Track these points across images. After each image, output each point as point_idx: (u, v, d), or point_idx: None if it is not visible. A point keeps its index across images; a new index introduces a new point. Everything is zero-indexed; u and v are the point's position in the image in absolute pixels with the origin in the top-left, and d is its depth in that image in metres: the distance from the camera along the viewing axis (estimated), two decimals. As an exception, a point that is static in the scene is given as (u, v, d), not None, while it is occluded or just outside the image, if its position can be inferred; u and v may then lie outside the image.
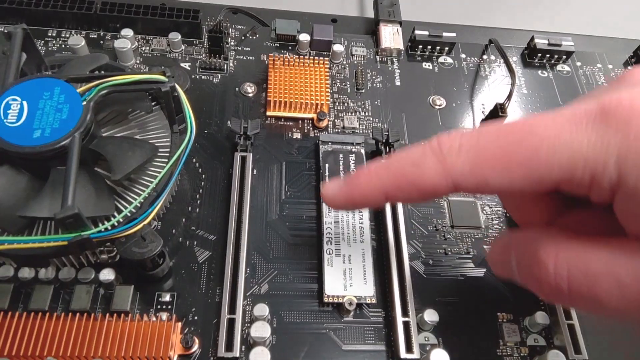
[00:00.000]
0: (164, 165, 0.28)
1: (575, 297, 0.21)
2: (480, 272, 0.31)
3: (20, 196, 0.25)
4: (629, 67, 0.44)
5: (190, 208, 0.31)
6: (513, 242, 0.23)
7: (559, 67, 0.43)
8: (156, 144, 0.28)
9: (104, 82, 0.26)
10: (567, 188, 0.21)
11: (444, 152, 0.21)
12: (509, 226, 0.33)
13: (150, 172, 0.28)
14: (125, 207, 0.26)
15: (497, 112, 0.36)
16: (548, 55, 0.42)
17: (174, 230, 0.30)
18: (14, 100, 0.25)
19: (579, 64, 0.43)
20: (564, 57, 0.42)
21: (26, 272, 0.26)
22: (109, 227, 0.25)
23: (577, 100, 0.21)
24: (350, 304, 0.28)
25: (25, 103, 0.25)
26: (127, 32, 0.37)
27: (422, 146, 0.22)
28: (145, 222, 0.25)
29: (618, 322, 0.25)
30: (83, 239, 0.23)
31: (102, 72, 0.29)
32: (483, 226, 0.33)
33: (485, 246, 0.32)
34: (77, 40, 0.35)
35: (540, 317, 0.29)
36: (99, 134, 0.27)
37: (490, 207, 0.34)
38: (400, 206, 0.31)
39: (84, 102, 0.25)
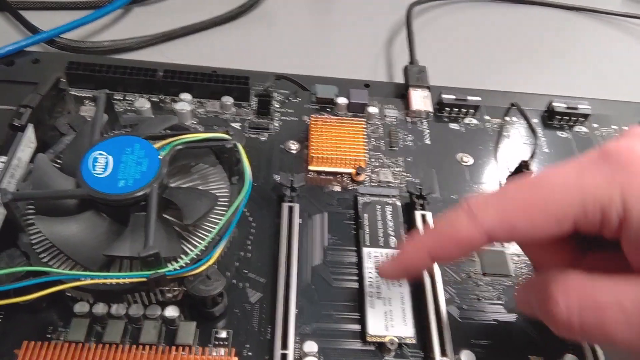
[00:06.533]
0: (223, 213, 0.31)
1: (587, 329, 0.23)
2: (512, 317, 0.33)
3: (102, 238, 0.28)
4: (643, 128, 0.47)
5: (242, 253, 0.34)
6: (533, 283, 0.26)
7: (576, 129, 0.46)
8: (217, 194, 0.32)
9: (177, 140, 0.30)
10: (583, 226, 0.23)
11: (472, 209, 0.25)
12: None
13: (211, 219, 0.31)
14: (191, 250, 0.29)
15: (522, 169, 0.39)
16: (566, 118, 0.46)
17: (228, 273, 0.33)
18: (101, 154, 0.29)
19: (595, 125, 0.46)
20: (581, 119, 0.46)
21: (100, 308, 0.29)
22: (178, 267, 0.28)
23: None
24: (392, 343, 0.30)
25: (110, 157, 0.29)
26: (186, 96, 0.41)
27: (454, 209, 0.26)
28: (211, 262, 0.28)
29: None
30: (159, 275, 0.26)
31: (169, 131, 0.33)
32: (513, 274, 0.35)
33: (516, 293, 0.34)
34: (143, 103, 0.40)
35: (570, 359, 0.31)
36: (169, 184, 0.31)
37: (519, 256, 0.36)
38: (435, 253, 0.34)
39: (160, 157, 0.29)
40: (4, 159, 0.31)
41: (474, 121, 0.45)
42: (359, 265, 0.34)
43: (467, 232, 0.25)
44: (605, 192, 0.22)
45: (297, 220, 0.35)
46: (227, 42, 0.54)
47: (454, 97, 0.45)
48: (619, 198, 0.22)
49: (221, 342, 0.30)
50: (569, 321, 0.23)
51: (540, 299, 0.25)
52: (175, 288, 0.30)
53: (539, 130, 0.45)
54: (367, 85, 0.48)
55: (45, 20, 0.50)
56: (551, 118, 0.46)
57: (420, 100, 0.45)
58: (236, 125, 0.41)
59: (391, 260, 0.29)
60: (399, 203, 0.37)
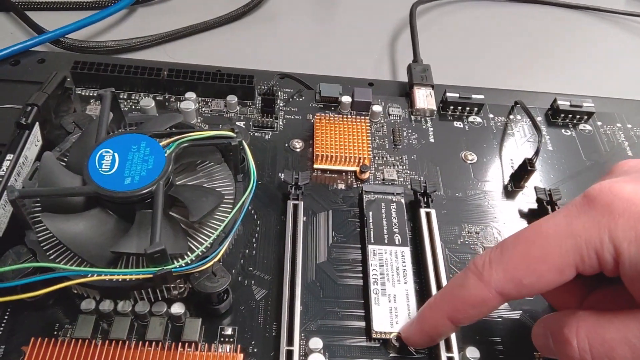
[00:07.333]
0: (228, 210, 0.31)
1: None
2: (516, 314, 0.33)
3: (108, 235, 0.29)
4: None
5: (247, 250, 0.34)
6: (546, 325, 0.27)
7: (581, 127, 0.46)
8: (222, 192, 0.32)
9: (183, 137, 0.30)
10: (584, 269, 0.24)
11: (479, 269, 0.26)
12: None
13: (216, 217, 0.31)
14: (197, 247, 0.29)
15: (526, 167, 0.39)
16: (570, 116, 0.46)
17: (233, 270, 0.33)
18: (107, 152, 0.29)
19: (599, 123, 0.46)
20: (585, 117, 0.46)
21: (106, 305, 0.29)
22: (184, 264, 0.28)
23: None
24: (397, 339, 0.30)
25: (116, 155, 0.29)
26: (190, 95, 0.42)
27: (463, 271, 0.27)
28: (216, 259, 0.29)
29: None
30: (166, 272, 0.26)
31: (174, 129, 0.34)
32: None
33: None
34: (148, 102, 0.40)
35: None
36: (174, 182, 0.31)
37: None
38: (439, 250, 0.34)
39: (166, 154, 0.29)
40: (10, 157, 0.32)
41: (478, 119, 0.45)
42: (364, 262, 0.34)
43: (478, 292, 0.26)
44: (595, 236, 0.23)
45: (301, 218, 0.35)
46: (231, 41, 0.54)
47: (457, 95, 0.45)
48: (608, 240, 0.23)
49: (227, 339, 0.30)
50: (583, 359, 0.24)
51: (554, 339, 0.26)
52: (181, 285, 0.30)
53: (543, 128, 0.45)
54: (371, 84, 0.48)
55: (51, 21, 0.50)
56: (555, 116, 0.46)
57: (424, 98, 0.45)
58: (241, 124, 0.42)
59: (412, 325, 0.30)
60: (403, 201, 0.37)
